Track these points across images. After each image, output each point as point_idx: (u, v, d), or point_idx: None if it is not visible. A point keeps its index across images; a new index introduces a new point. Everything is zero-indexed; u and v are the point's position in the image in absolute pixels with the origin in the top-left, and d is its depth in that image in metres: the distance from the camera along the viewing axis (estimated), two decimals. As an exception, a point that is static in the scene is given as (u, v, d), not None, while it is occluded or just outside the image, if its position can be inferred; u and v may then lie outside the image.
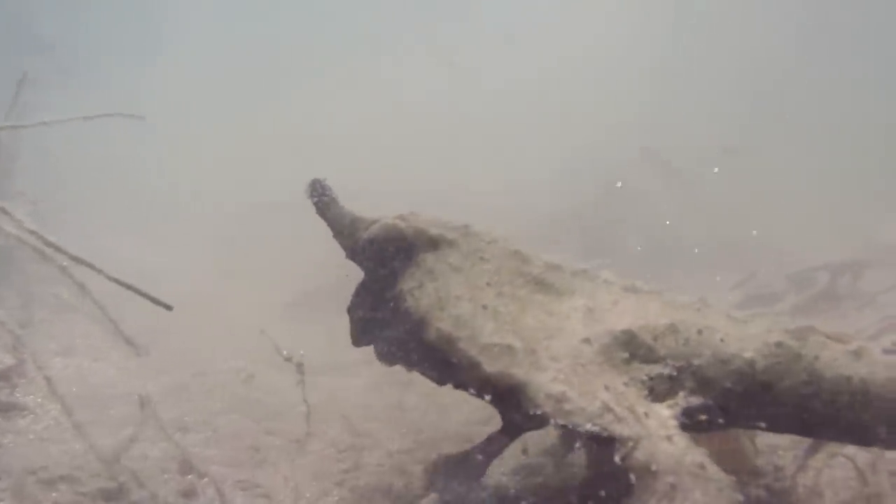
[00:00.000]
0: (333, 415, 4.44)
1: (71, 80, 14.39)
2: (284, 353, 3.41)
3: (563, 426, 2.23)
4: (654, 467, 2.06)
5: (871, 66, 19.40)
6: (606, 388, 2.30)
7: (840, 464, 3.04)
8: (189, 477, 3.14)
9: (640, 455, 2.09)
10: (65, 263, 2.93)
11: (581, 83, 16.92)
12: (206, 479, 3.09)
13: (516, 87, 17.43)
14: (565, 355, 2.42)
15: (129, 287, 2.88)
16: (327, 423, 4.30)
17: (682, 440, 2.16)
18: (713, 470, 2.09)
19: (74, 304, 5.94)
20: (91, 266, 3.00)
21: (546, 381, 2.32)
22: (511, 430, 2.81)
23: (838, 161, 13.69)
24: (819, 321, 6.87)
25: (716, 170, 11.43)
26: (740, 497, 2.05)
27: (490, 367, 2.42)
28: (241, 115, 16.76)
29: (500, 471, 3.23)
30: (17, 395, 3.76)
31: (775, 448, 3.17)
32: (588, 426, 2.18)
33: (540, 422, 2.42)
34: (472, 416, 4.26)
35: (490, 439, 2.86)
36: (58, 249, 3.06)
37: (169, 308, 2.71)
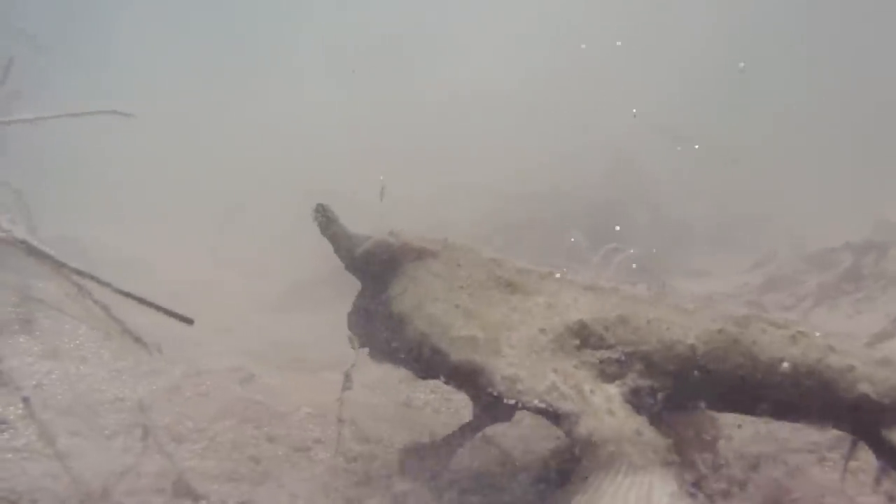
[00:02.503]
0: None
1: (55, 64, 14.02)
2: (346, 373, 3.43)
3: (516, 403, 2.50)
4: (594, 438, 2.30)
5: (875, 46, 18.98)
6: (555, 370, 2.56)
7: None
8: (185, 503, 2.83)
9: (582, 429, 2.34)
10: (74, 265, 2.60)
11: (584, 67, 16.46)
12: (203, 503, 2.79)
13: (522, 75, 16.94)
14: (522, 343, 2.69)
15: (143, 302, 2.58)
16: (334, 428, 4.01)
17: (622, 412, 2.41)
18: (650, 435, 2.33)
19: (62, 302, 5.62)
20: (98, 280, 2.72)
21: (502, 366, 2.60)
22: (478, 424, 3.29)
23: (843, 143, 13.43)
24: (844, 303, 6.50)
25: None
26: (676, 457, 2.29)
27: (456, 356, 2.69)
28: (225, 107, 16.44)
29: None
30: (-3, 406, 3.45)
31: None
32: (536, 402, 2.44)
33: (507, 414, 3.02)
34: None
35: (461, 430, 3.30)
36: (57, 263, 2.77)
37: (190, 322, 2.45)
